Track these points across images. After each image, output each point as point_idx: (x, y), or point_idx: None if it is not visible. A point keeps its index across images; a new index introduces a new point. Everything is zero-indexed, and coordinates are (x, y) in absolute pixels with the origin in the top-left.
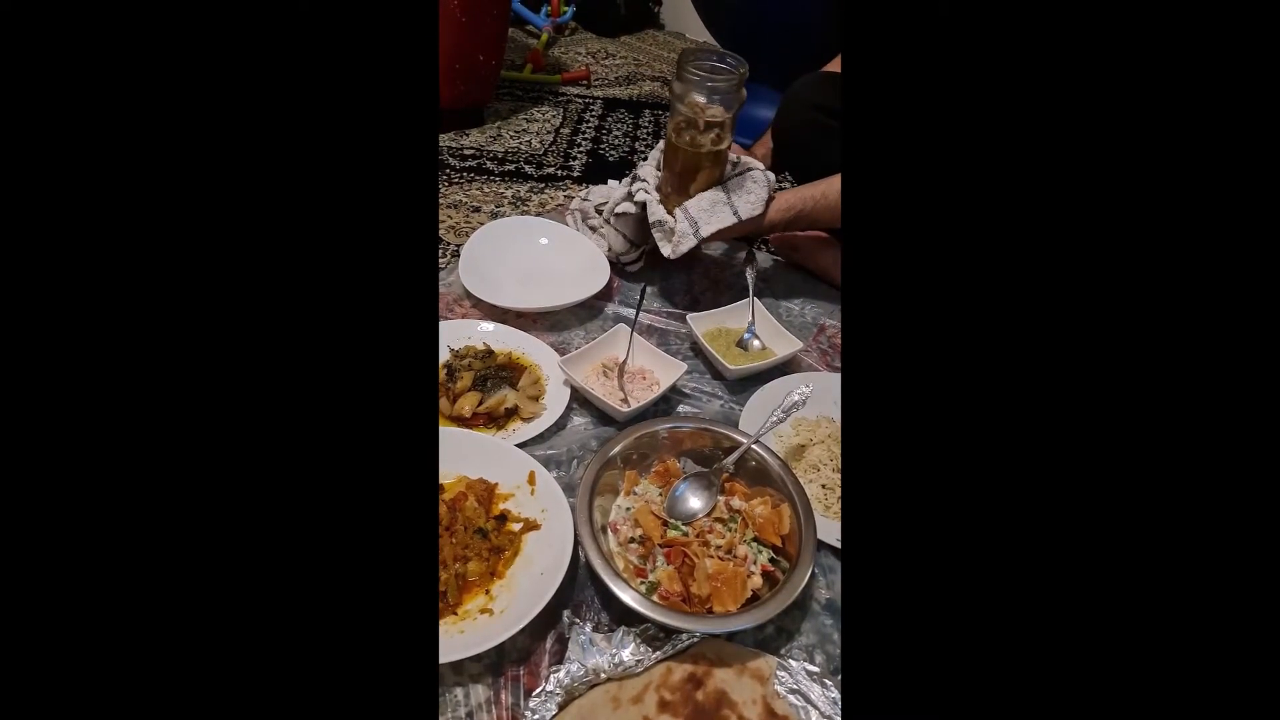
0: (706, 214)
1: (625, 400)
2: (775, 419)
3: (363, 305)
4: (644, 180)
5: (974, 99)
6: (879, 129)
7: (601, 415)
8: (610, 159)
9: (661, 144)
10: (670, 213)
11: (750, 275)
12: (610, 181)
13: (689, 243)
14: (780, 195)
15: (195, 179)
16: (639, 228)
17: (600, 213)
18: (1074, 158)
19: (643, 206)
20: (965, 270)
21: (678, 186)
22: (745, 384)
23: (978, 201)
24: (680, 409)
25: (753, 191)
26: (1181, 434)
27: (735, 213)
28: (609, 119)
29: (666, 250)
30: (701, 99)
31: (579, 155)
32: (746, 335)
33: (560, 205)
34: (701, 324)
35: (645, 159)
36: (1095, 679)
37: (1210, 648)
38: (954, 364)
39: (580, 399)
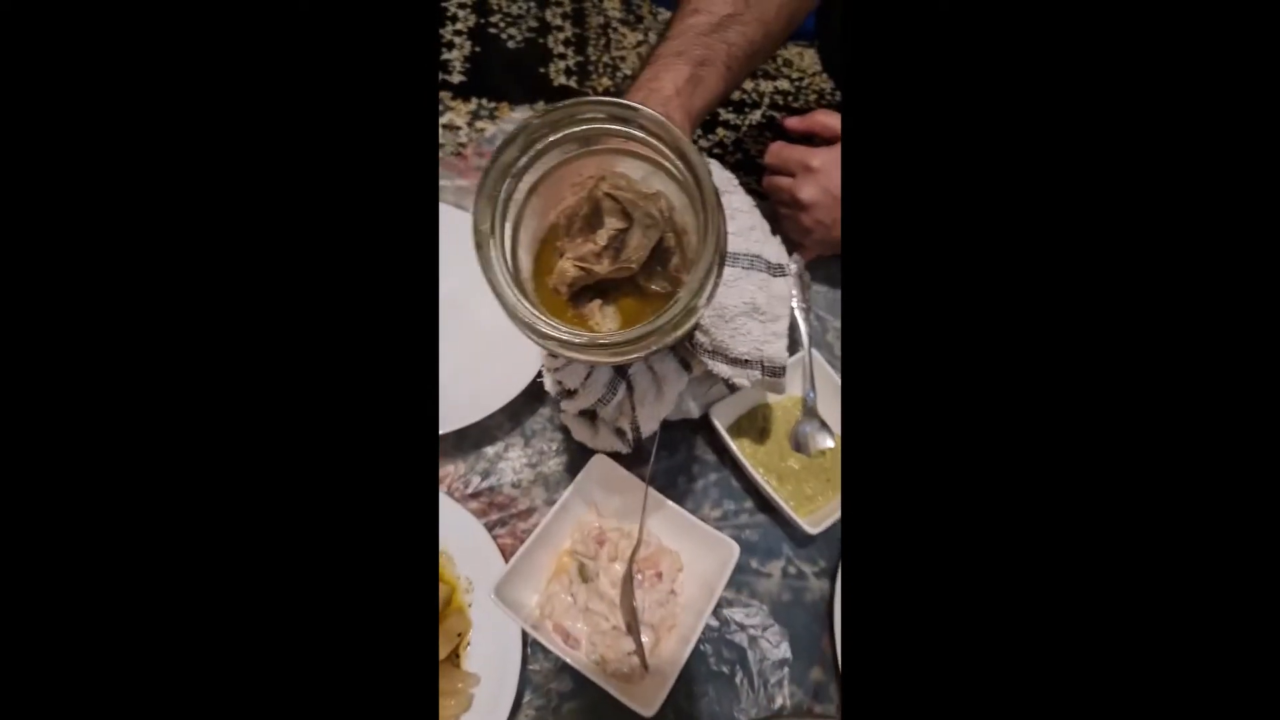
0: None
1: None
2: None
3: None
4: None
5: (976, 94)
6: (881, 126)
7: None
8: (509, 46)
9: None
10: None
11: (798, 305)
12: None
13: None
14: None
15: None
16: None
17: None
18: (1078, 153)
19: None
20: (969, 270)
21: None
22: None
23: (980, 200)
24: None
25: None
26: (1185, 426)
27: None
28: None
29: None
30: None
31: (460, 42)
32: (804, 427)
33: (455, 151)
34: (726, 415)
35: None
36: (1097, 668)
37: (1211, 650)
38: (957, 363)
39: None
